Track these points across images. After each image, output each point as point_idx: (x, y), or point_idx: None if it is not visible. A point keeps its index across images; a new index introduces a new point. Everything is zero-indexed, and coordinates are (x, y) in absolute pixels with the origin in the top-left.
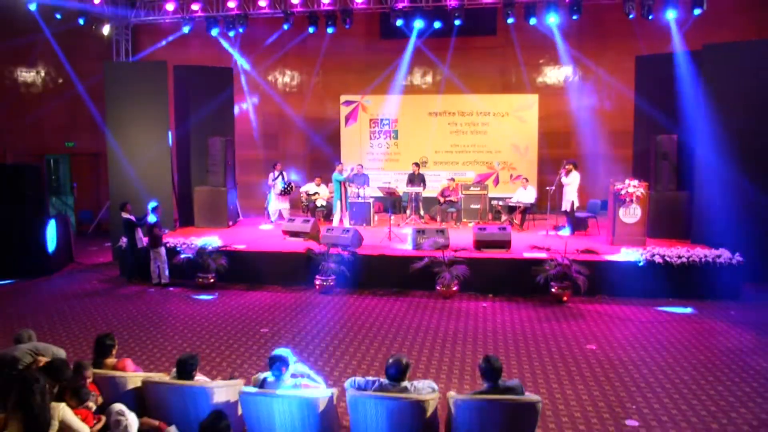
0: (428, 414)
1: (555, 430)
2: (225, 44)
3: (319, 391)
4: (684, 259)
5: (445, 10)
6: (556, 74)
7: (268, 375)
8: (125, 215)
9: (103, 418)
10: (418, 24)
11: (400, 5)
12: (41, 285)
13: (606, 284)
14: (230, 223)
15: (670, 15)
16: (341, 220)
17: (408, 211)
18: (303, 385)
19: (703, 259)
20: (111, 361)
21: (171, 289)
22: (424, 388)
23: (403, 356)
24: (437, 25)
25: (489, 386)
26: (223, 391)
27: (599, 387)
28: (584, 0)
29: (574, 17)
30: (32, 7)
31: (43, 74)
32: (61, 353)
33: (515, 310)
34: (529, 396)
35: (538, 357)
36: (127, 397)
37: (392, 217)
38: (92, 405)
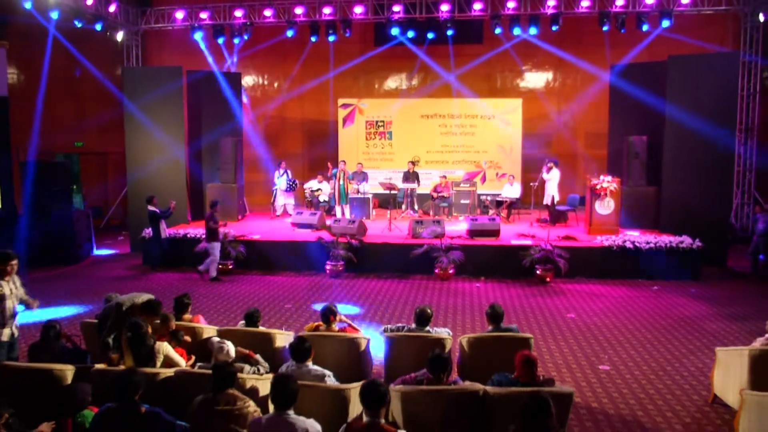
0: (446, 350)
1: (545, 375)
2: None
3: (359, 335)
4: (651, 245)
5: (437, 21)
6: (538, 80)
7: (320, 324)
8: (151, 208)
9: (193, 357)
10: (410, 33)
11: (396, 16)
12: (79, 271)
13: (584, 267)
14: (239, 216)
15: (641, 28)
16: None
17: (404, 206)
18: (347, 330)
19: (667, 245)
20: (187, 316)
21: (194, 275)
22: (442, 331)
23: (427, 307)
24: (430, 35)
25: (493, 328)
26: (280, 337)
27: (578, 344)
28: (563, 13)
29: (554, 28)
30: (27, 5)
31: (53, 76)
32: (151, 296)
33: (505, 289)
34: (524, 334)
35: (527, 324)
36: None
37: (389, 212)
38: (188, 339)
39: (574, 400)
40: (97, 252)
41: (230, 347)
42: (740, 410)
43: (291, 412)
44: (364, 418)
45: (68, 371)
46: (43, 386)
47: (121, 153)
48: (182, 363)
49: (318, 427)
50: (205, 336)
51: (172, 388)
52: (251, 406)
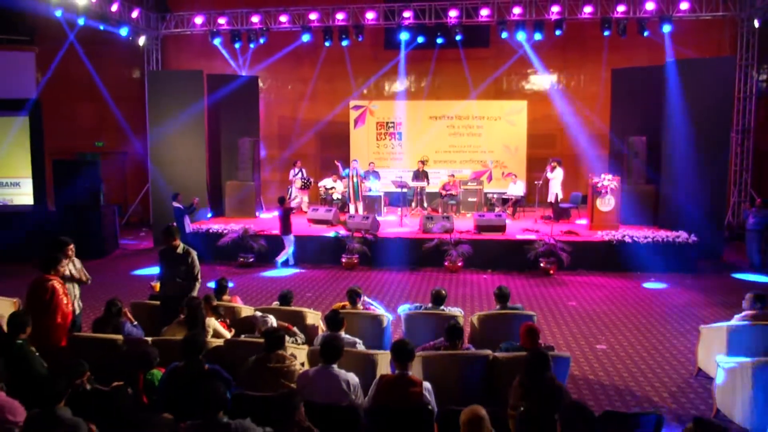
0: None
1: (546, 343)
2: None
3: (381, 313)
4: (649, 239)
5: (446, 26)
6: (542, 82)
7: (345, 303)
8: (176, 204)
9: (233, 330)
10: (420, 39)
11: (406, 22)
12: (107, 264)
13: (585, 260)
14: (257, 213)
15: (642, 33)
16: (356, 210)
17: (413, 204)
18: (371, 309)
19: (664, 239)
20: (227, 297)
21: (218, 267)
22: (455, 310)
23: (442, 289)
24: (439, 40)
25: (500, 306)
26: (311, 315)
27: (577, 327)
28: (567, 18)
29: (558, 32)
30: (58, 13)
31: (74, 79)
32: None
33: (511, 281)
34: (528, 311)
35: (531, 310)
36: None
37: (400, 209)
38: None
39: (573, 373)
40: (121, 247)
41: (272, 320)
42: (717, 376)
43: (335, 366)
44: (395, 371)
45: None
46: (109, 353)
47: (140, 153)
48: (227, 335)
49: (356, 379)
50: (243, 314)
51: (221, 356)
52: (297, 364)
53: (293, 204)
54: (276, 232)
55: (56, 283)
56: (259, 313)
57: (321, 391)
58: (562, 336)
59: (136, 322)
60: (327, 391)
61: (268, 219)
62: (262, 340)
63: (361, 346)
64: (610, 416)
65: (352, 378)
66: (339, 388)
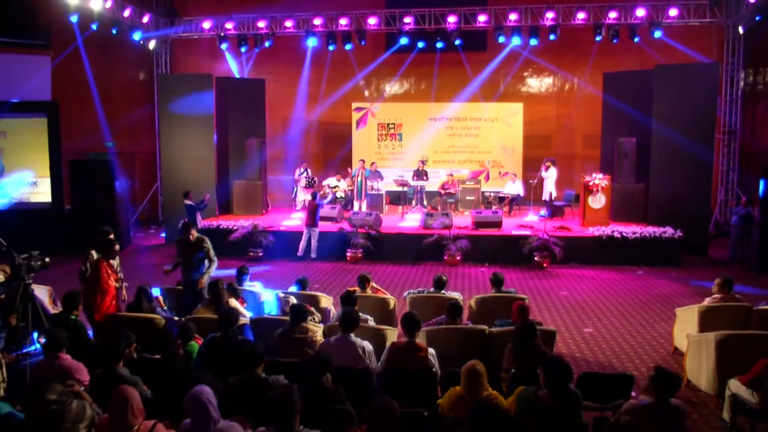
0: None
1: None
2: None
3: (388, 297)
4: (637, 235)
5: (445, 31)
6: (538, 85)
7: (356, 288)
8: (187, 201)
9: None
10: (420, 44)
11: (407, 27)
12: (123, 258)
13: (577, 254)
14: (263, 210)
15: (633, 39)
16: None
17: (413, 202)
18: (379, 293)
19: (651, 235)
20: (248, 283)
21: (229, 261)
22: (455, 294)
23: (443, 275)
24: (439, 45)
25: (495, 290)
26: (324, 299)
27: (567, 313)
28: (561, 24)
29: (552, 37)
30: (74, 19)
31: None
32: None
33: (506, 273)
34: (521, 295)
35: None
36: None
37: (401, 207)
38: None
39: (562, 352)
40: (134, 243)
41: (293, 300)
42: (687, 350)
43: (352, 335)
44: (404, 339)
45: (162, 320)
46: (146, 330)
47: (148, 153)
48: (247, 314)
49: (370, 346)
50: (263, 299)
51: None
52: (319, 335)
53: (298, 201)
54: (284, 227)
55: (103, 267)
56: (281, 294)
57: (340, 356)
58: (552, 321)
59: (165, 306)
60: (345, 356)
61: (275, 216)
62: (281, 318)
63: (372, 323)
64: (588, 376)
65: (367, 345)
66: (356, 354)
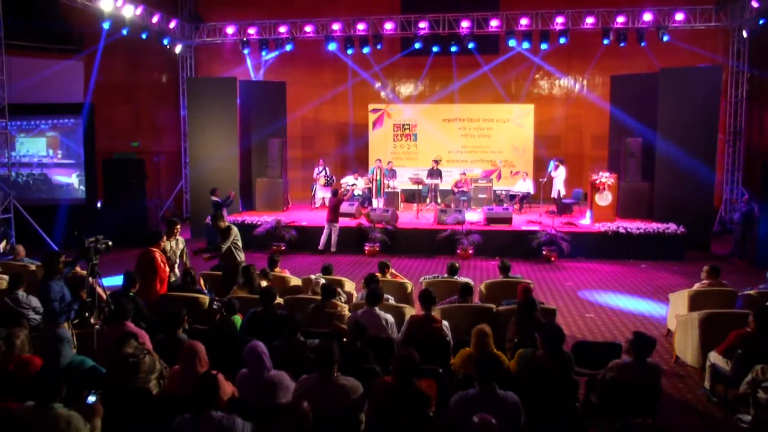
0: None
1: None
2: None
3: (406, 281)
4: (641, 230)
5: (458, 35)
6: (548, 87)
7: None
8: (214, 198)
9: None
10: (435, 48)
11: (422, 32)
12: None
13: (583, 249)
14: (284, 207)
15: (640, 42)
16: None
17: (428, 200)
18: (397, 278)
19: (655, 230)
20: (277, 269)
21: (254, 254)
22: (464, 278)
23: (456, 262)
24: (453, 48)
25: (503, 276)
26: (348, 283)
27: (571, 301)
28: (570, 29)
29: (562, 41)
30: (105, 26)
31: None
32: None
33: (516, 266)
34: (526, 280)
35: (534, 289)
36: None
37: (416, 204)
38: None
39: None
40: None
41: (323, 280)
42: (675, 329)
43: (377, 308)
44: (422, 312)
45: (206, 298)
46: (194, 306)
47: (173, 153)
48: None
49: (392, 319)
50: (292, 283)
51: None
52: (346, 311)
53: (317, 198)
54: (305, 223)
55: (157, 254)
56: (313, 276)
57: (367, 326)
58: (557, 307)
59: (205, 289)
60: (371, 326)
61: (296, 213)
62: (311, 297)
63: (392, 301)
64: (581, 345)
65: (390, 318)
66: (380, 324)
